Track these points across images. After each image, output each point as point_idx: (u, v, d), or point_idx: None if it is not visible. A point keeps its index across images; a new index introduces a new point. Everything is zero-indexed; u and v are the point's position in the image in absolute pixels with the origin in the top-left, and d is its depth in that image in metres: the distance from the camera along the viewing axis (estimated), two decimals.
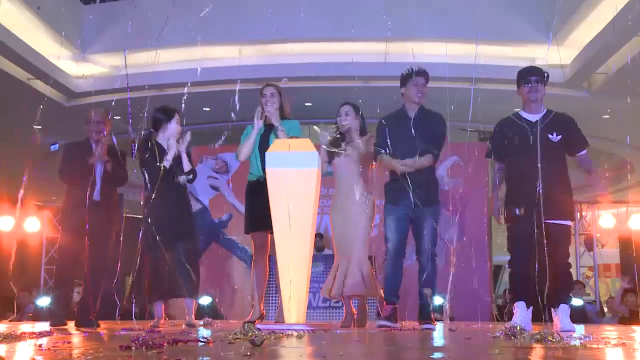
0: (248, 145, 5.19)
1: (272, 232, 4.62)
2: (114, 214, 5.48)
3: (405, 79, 5.10)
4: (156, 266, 5.07)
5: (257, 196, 4.94)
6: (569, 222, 4.60)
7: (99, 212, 5.15)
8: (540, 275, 4.30)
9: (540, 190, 4.37)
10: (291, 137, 4.86)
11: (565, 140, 4.59)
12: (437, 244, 5.04)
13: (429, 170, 5.03)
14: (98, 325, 5.02)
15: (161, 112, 5.39)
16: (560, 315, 4.40)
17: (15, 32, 8.38)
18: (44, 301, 8.72)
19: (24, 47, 8.58)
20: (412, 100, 5.07)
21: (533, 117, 4.64)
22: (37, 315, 8.25)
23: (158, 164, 5.13)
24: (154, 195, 4.96)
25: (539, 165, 4.41)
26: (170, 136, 5.31)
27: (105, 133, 5.33)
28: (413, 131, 4.88)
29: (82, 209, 5.06)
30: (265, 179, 4.65)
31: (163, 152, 5.24)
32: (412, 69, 5.08)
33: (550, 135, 4.54)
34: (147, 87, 7.51)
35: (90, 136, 5.31)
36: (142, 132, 5.37)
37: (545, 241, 4.32)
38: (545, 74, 4.70)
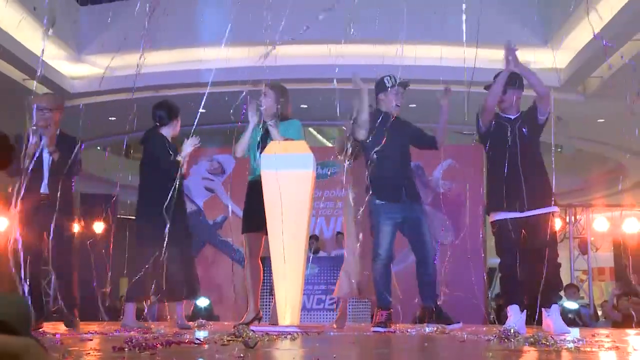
0: (243, 141, 5.12)
1: (266, 234, 4.62)
2: (68, 208, 5.05)
3: (387, 86, 5.13)
4: (157, 267, 4.88)
5: (252, 197, 4.93)
6: (553, 209, 4.54)
7: (49, 206, 4.79)
8: (530, 276, 4.34)
9: (524, 188, 4.45)
10: (287, 138, 4.85)
11: (529, 117, 4.62)
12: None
13: (410, 168, 5.04)
14: (76, 326, 4.79)
15: (169, 109, 5.30)
16: (554, 316, 4.38)
17: (11, 33, 8.37)
18: None
19: (19, 48, 8.57)
20: (390, 108, 5.09)
21: (511, 116, 4.67)
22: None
23: (174, 158, 5.03)
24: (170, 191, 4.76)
25: (519, 163, 4.48)
26: (175, 134, 5.27)
27: (53, 121, 4.99)
28: (397, 132, 4.93)
29: (28, 202, 4.68)
30: (253, 178, 4.71)
31: (171, 147, 5.14)
32: (394, 78, 5.12)
33: (523, 130, 4.58)
34: (134, 89, 7.49)
35: (36, 124, 4.89)
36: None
37: (532, 237, 4.39)
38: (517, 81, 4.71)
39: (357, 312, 7.55)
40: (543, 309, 4.42)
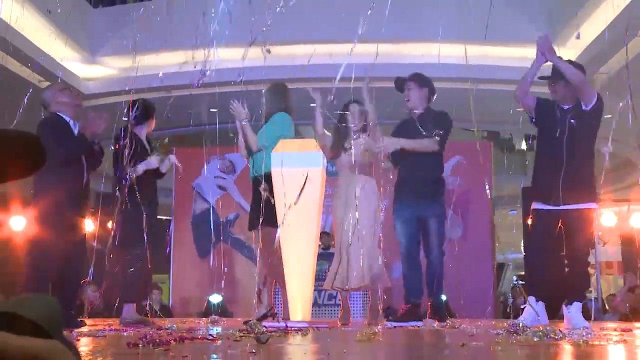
0: (240, 142, 5.17)
1: (267, 229, 4.65)
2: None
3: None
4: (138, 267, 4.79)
5: (254, 194, 4.95)
6: (590, 205, 4.41)
7: (87, 203, 4.84)
8: (558, 272, 4.28)
9: (563, 181, 4.35)
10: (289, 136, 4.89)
11: (578, 108, 4.49)
12: (444, 242, 5.10)
13: (433, 168, 5.04)
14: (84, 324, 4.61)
15: (149, 107, 5.24)
16: (574, 313, 4.27)
17: (27, 36, 8.39)
18: None
19: (35, 50, 8.59)
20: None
21: (565, 106, 4.56)
22: None
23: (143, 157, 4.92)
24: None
25: (563, 155, 4.39)
26: (149, 132, 5.23)
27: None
28: (416, 131, 4.92)
29: (77, 198, 4.64)
30: (256, 177, 4.82)
31: (143, 147, 5.04)
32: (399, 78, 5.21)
33: (572, 121, 4.47)
34: (130, 90, 7.50)
35: (68, 113, 4.80)
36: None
37: (564, 232, 4.29)
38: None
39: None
40: (564, 306, 4.35)
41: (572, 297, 4.32)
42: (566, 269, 4.26)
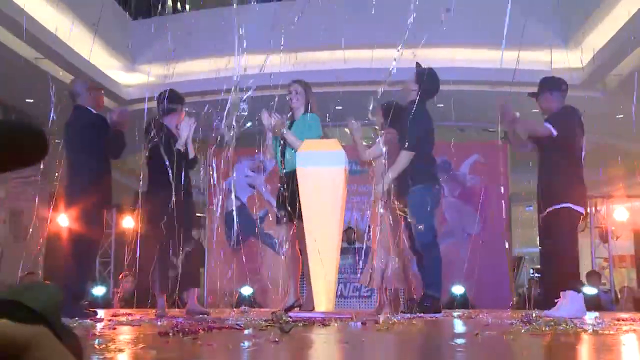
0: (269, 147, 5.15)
1: (293, 225, 4.62)
2: None
3: None
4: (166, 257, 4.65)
5: (280, 191, 4.92)
6: (560, 205, 4.37)
7: None
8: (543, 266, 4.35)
9: (539, 190, 4.55)
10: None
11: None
12: (428, 230, 4.76)
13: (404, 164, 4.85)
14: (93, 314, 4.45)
15: (177, 98, 5.04)
16: (568, 301, 4.23)
17: (73, 47, 8.49)
18: (99, 290, 8.86)
19: (80, 60, 8.69)
20: None
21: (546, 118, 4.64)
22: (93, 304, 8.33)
23: (173, 147, 4.74)
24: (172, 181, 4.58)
25: (540, 165, 4.59)
26: (179, 123, 4.96)
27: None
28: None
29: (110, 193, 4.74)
30: (284, 174, 4.84)
31: (172, 137, 4.86)
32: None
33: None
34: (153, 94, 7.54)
35: (99, 109, 4.78)
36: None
37: (545, 234, 4.49)
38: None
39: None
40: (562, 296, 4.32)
41: (563, 288, 4.30)
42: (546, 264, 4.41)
